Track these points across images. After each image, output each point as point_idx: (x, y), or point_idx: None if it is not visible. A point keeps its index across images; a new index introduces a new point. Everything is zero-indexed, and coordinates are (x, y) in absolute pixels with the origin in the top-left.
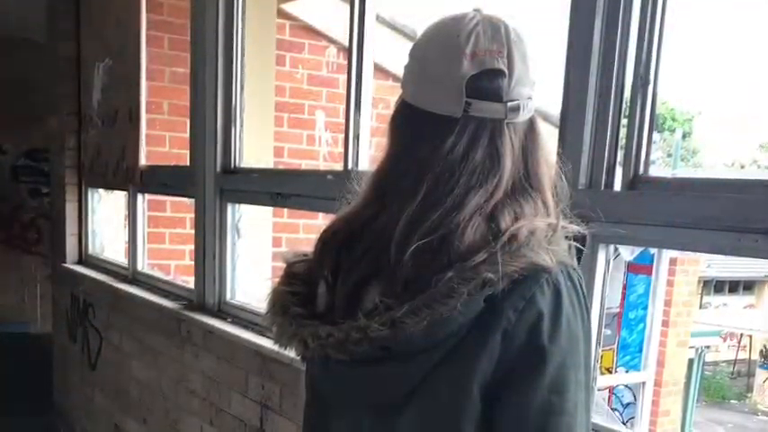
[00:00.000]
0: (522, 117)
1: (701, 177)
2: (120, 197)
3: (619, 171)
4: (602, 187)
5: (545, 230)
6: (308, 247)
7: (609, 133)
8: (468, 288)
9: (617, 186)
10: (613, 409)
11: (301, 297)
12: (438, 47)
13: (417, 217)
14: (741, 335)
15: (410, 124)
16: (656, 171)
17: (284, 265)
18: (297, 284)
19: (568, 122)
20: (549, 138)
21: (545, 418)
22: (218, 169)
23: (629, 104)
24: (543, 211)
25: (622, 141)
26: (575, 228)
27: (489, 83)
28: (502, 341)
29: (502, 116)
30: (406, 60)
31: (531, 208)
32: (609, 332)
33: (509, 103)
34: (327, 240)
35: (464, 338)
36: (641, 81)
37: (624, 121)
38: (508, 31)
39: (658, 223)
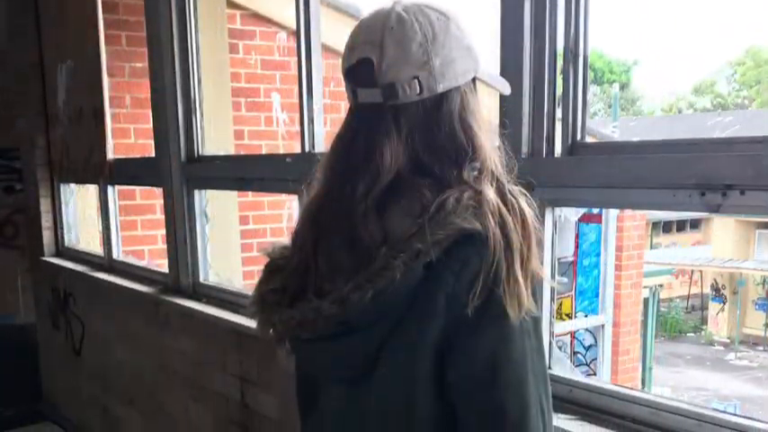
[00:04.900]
0: (411, 97)
1: (635, 141)
2: (91, 189)
3: (558, 139)
4: (544, 155)
5: (471, 197)
6: (287, 238)
7: (546, 105)
8: (402, 260)
9: (557, 153)
10: (575, 353)
11: (278, 290)
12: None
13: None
14: (692, 271)
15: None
16: (596, 125)
17: (266, 259)
18: (276, 281)
19: (508, 99)
20: (475, 108)
21: (493, 367)
22: (183, 158)
23: (562, 75)
24: (470, 174)
25: (559, 113)
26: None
27: (363, 70)
28: (446, 303)
29: (379, 99)
30: None
31: (453, 177)
32: (566, 280)
33: (385, 87)
34: (300, 235)
35: (411, 307)
36: (572, 55)
37: (560, 91)
38: (389, 20)
39: (598, 185)
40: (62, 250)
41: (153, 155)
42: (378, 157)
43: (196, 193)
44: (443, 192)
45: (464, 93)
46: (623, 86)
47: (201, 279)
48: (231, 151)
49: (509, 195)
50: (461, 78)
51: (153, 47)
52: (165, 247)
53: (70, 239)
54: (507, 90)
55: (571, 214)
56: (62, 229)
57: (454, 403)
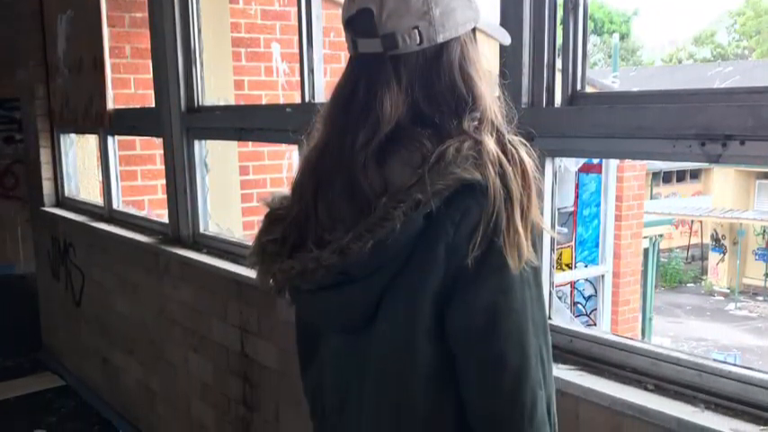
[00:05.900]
0: (411, 47)
1: (635, 91)
2: (91, 139)
3: (558, 89)
4: (544, 105)
5: (472, 147)
6: (288, 189)
7: (546, 55)
8: (402, 210)
9: (557, 103)
10: (575, 303)
11: (278, 240)
12: None
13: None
14: (692, 221)
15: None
16: (596, 76)
17: (266, 209)
18: (276, 231)
19: (507, 49)
20: (475, 58)
21: (493, 317)
22: (183, 109)
23: (562, 25)
24: (470, 125)
25: (559, 63)
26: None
27: (363, 20)
28: (446, 253)
29: (380, 49)
30: None
31: (453, 127)
32: (566, 230)
33: (385, 37)
34: (300, 186)
35: (411, 257)
36: (571, 4)
37: (560, 41)
38: None
39: (598, 135)
40: (62, 200)
41: (153, 105)
42: (378, 107)
43: (196, 143)
44: (443, 142)
45: (464, 43)
46: (623, 37)
47: (201, 229)
48: (231, 101)
49: (509, 145)
50: (461, 28)
51: None
52: (165, 197)
53: (70, 190)
54: (507, 40)
55: (571, 164)
56: (62, 179)
57: (454, 353)
